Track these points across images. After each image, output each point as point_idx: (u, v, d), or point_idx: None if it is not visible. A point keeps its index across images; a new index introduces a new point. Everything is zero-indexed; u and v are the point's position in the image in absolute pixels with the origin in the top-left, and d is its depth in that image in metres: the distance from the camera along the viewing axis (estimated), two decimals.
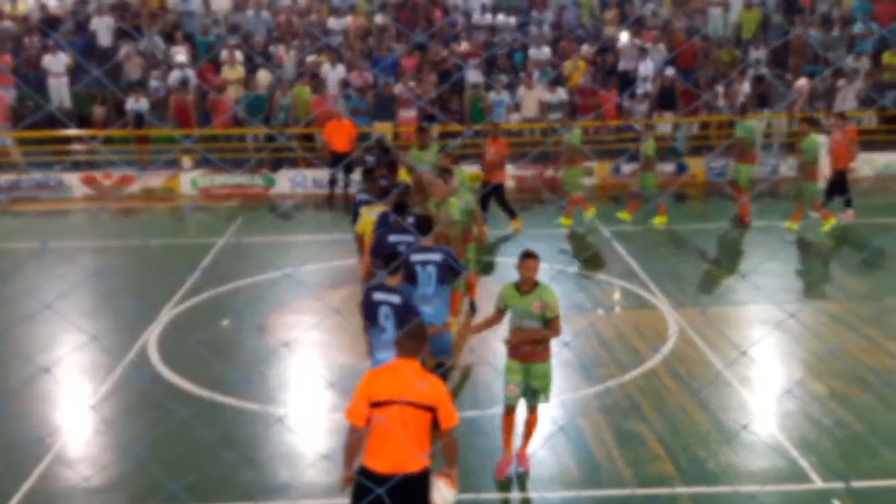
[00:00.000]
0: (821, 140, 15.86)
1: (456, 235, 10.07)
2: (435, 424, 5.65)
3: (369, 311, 7.52)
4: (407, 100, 19.85)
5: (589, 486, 7.60)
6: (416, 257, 8.17)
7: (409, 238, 8.65)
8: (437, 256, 8.24)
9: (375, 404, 5.57)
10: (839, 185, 15.83)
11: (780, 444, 8.15)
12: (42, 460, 8.01)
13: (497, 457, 7.83)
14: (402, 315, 7.29)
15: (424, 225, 8.46)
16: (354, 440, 5.69)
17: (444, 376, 8.19)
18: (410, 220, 8.95)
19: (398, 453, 5.55)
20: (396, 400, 5.54)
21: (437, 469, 5.77)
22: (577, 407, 9.04)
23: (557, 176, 18.54)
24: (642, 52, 21.68)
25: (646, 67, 21.27)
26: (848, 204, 15.92)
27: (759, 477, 7.63)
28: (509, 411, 7.68)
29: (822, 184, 16.03)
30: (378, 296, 7.47)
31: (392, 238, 8.88)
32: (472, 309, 11.08)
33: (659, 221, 16.06)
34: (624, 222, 16.21)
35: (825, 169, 16.11)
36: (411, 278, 8.15)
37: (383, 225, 9.46)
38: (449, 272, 8.28)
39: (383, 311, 7.43)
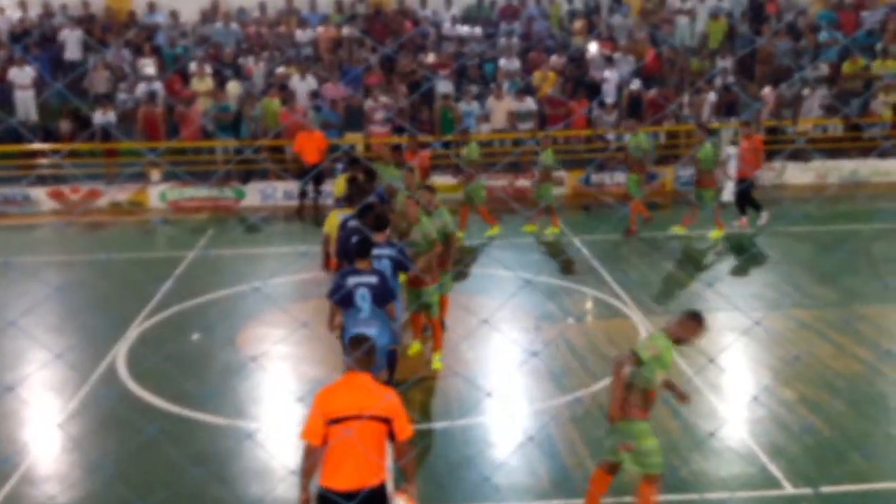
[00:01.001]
0: (731, 150, 16.17)
1: (430, 256, 9.84)
2: (391, 437, 5.65)
3: (345, 296, 8.03)
4: (376, 112, 19.84)
5: (561, 495, 7.59)
6: (353, 280, 8.07)
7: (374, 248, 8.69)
8: (372, 279, 8.09)
9: (333, 421, 5.53)
10: (746, 194, 16.09)
11: (750, 450, 8.20)
12: (8, 480, 7.87)
13: (467, 466, 7.78)
14: (379, 293, 8.04)
15: (364, 245, 8.27)
16: (312, 460, 5.63)
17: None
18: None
19: (359, 469, 5.53)
20: (353, 414, 5.51)
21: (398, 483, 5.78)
22: (548, 416, 9.04)
23: (529, 187, 18.72)
24: (609, 62, 21.84)
25: (612, 77, 21.43)
26: (756, 208, 16.22)
27: (730, 483, 7.67)
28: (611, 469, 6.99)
29: (729, 192, 16.29)
30: (353, 280, 8.04)
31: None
32: (442, 327, 10.72)
33: (550, 232, 16.19)
34: (594, 232, 16.28)
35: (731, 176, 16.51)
36: (348, 301, 8.05)
37: (345, 229, 9.65)
38: (385, 292, 8.15)
39: (360, 292, 8.01)
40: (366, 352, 5.74)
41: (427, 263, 9.78)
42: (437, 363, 10.15)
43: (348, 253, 8.71)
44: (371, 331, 7.74)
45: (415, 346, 10.54)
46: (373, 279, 8.05)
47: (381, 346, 8.09)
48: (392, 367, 9.25)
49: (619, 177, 20.06)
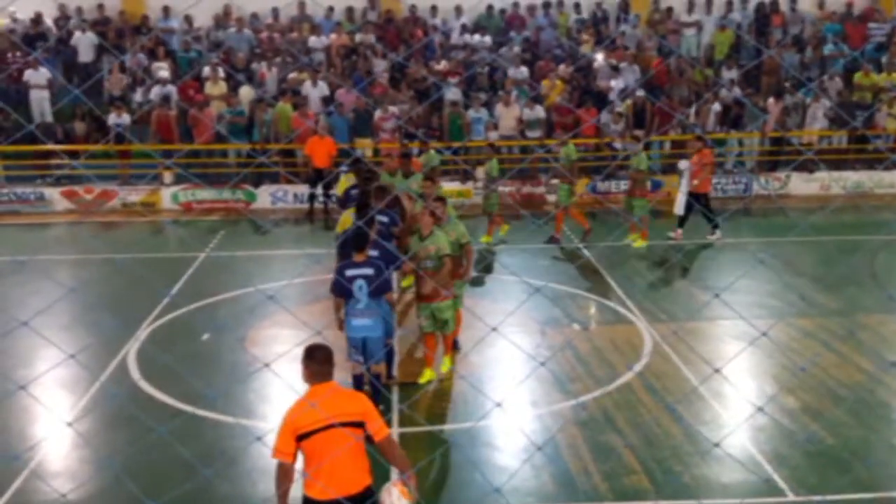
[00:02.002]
0: (685, 163, 16.28)
1: (443, 272, 9.63)
2: (370, 440, 5.58)
3: (344, 288, 8.59)
4: (385, 121, 20.01)
5: (565, 498, 7.69)
6: (350, 272, 8.62)
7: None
8: (368, 270, 8.62)
9: (303, 436, 5.47)
10: (693, 207, 16.17)
11: (753, 458, 8.28)
12: (19, 476, 8.01)
13: (471, 471, 7.89)
14: (375, 283, 8.55)
15: (360, 238, 8.76)
16: (285, 477, 5.56)
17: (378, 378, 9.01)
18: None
19: (336, 477, 5.48)
20: (324, 425, 5.44)
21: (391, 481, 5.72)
22: (553, 421, 9.14)
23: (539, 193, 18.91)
24: (615, 71, 21.96)
25: (617, 85, 21.56)
26: (715, 227, 16.32)
27: (732, 490, 7.75)
28: None
29: (681, 205, 16.45)
30: (351, 272, 8.60)
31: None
32: (456, 348, 10.68)
33: (485, 240, 16.27)
34: (600, 239, 16.38)
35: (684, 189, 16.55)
36: (347, 292, 8.62)
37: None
38: (382, 283, 8.68)
39: (357, 283, 8.59)
40: (325, 360, 5.64)
41: (442, 278, 9.56)
42: (445, 365, 10.17)
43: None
44: (368, 321, 8.63)
45: (427, 374, 10.11)
46: (369, 270, 8.60)
47: (377, 337, 8.71)
48: (389, 360, 9.59)
49: (625, 185, 20.16)
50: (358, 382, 8.99)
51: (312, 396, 5.60)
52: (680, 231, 16.38)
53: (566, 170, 16.09)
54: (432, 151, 16.39)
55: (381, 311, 8.77)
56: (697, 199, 16.01)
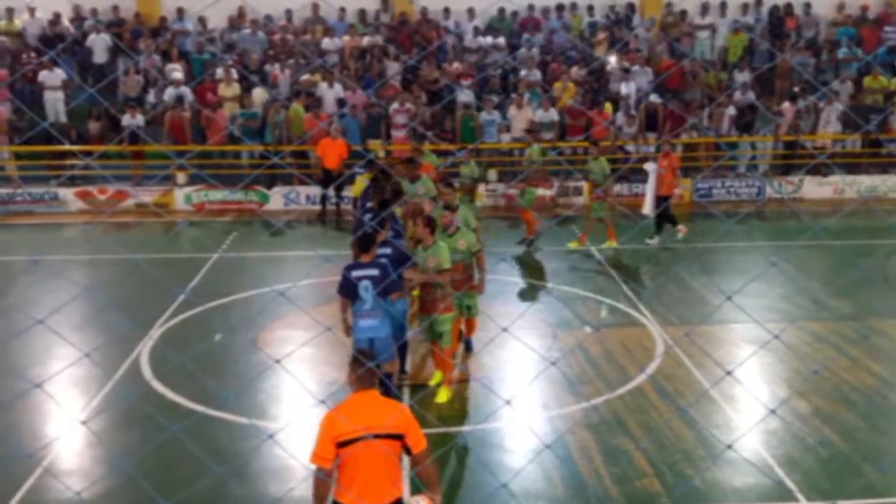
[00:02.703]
0: (652, 166, 16.25)
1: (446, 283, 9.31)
2: (407, 450, 5.54)
3: (350, 289, 8.63)
4: (397, 115, 20.08)
5: (575, 501, 7.69)
6: (356, 273, 8.65)
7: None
8: (373, 271, 8.64)
9: (342, 444, 5.41)
10: (664, 211, 16.22)
11: (765, 462, 8.25)
12: (32, 474, 8.05)
13: (482, 472, 7.90)
14: (380, 284, 8.56)
15: (366, 240, 8.82)
16: (323, 483, 5.51)
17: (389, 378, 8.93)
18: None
19: (370, 488, 5.45)
20: (363, 435, 5.38)
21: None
22: (564, 423, 9.14)
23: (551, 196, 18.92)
24: (627, 74, 21.93)
25: (628, 88, 21.54)
26: (672, 223, 16.34)
27: (744, 494, 7.73)
28: None
29: (649, 207, 16.51)
30: (357, 273, 8.62)
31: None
32: (469, 348, 10.74)
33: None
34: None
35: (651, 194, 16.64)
36: (353, 293, 8.65)
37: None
38: (388, 285, 8.67)
39: (363, 284, 8.59)
40: (370, 371, 5.58)
41: (442, 290, 9.27)
42: (435, 378, 9.89)
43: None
44: (374, 322, 8.65)
45: (438, 376, 10.00)
46: (374, 271, 8.61)
47: (384, 336, 8.72)
48: (402, 356, 9.66)
49: (638, 187, 20.18)
50: None
51: (353, 404, 5.56)
52: (682, 227, 16.37)
53: (537, 173, 16.13)
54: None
55: (390, 311, 8.81)
56: (660, 202, 16.10)
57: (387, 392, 8.75)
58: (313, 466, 5.51)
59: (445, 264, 9.20)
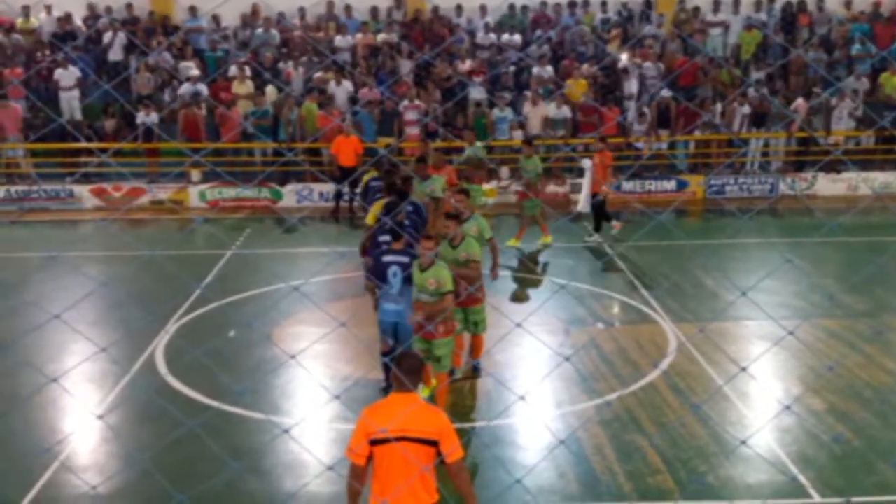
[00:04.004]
0: (587, 163, 16.37)
1: (441, 306, 8.74)
2: (440, 457, 5.42)
3: (381, 272, 9.09)
4: (409, 111, 20.12)
5: (589, 498, 7.70)
6: (387, 258, 9.17)
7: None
8: (403, 258, 9.09)
9: (375, 442, 5.35)
10: (600, 207, 16.23)
11: (778, 458, 8.24)
12: (49, 468, 8.13)
13: (495, 468, 7.92)
14: (408, 271, 8.94)
15: (396, 231, 9.34)
16: (355, 479, 5.47)
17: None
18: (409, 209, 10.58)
19: (401, 491, 5.33)
20: (396, 436, 5.30)
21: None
22: (577, 420, 9.16)
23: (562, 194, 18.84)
24: (625, 73, 21.88)
25: (630, 85, 21.56)
26: (608, 219, 16.40)
27: (757, 491, 7.73)
28: None
29: (584, 203, 16.64)
30: (388, 258, 9.13)
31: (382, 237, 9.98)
32: (476, 371, 10.37)
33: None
34: (623, 237, 16.35)
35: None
36: (382, 277, 9.10)
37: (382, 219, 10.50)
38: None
39: (392, 269, 9.03)
40: (411, 370, 5.49)
41: (441, 312, 8.70)
42: (425, 391, 9.39)
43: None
44: (399, 307, 9.03)
45: (426, 391, 9.52)
46: (405, 259, 9.05)
47: (404, 322, 9.07)
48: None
49: (650, 184, 20.18)
50: (387, 366, 9.19)
51: (391, 404, 5.48)
52: (616, 223, 16.42)
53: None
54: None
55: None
56: (595, 197, 16.23)
57: None
58: (347, 462, 5.48)
59: (447, 286, 8.60)
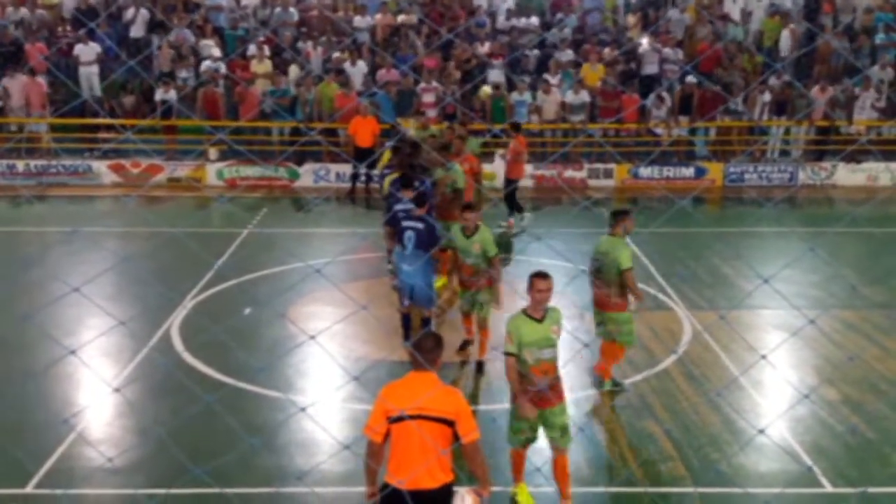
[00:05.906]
0: (501, 151, 16.43)
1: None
2: (456, 437, 5.48)
3: (397, 224, 9.80)
4: (426, 93, 20.07)
5: (601, 483, 7.73)
6: (406, 223, 9.76)
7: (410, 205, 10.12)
8: (420, 225, 9.68)
9: (393, 419, 5.42)
10: (511, 195, 16.10)
11: (791, 448, 8.23)
12: (65, 440, 8.22)
13: (507, 453, 7.91)
14: (424, 238, 9.56)
15: (420, 198, 9.94)
16: (372, 456, 5.54)
17: (428, 323, 9.83)
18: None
19: (415, 469, 5.38)
20: (413, 414, 5.36)
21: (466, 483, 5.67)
22: (590, 406, 9.16)
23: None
24: (659, 55, 21.72)
25: (651, 69, 21.48)
26: (512, 211, 16.15)
27: (770, 480, 7.72)
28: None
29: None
30: (406, 223, 9.71)
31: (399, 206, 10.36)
32: (480, 370, 10.12)
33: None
34: (642, 226, 16.23)
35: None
36: (399, 238, 9.76)
37: (394, 190, 11.14)
38: (428, 239, 9.64)
39: (408, 234, 9.65)
40: (429, 349, 5.55)
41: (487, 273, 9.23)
42: None
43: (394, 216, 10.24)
44: (411, 267, 9.58)
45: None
46: (420, 225, 9.65)
47: (419, 284, 9.62)
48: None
49: (668, 171, 20.06)
50: (406, 321, 10.13)
51: (409, 382, 5.55)
52: (511, 220, 16.19)
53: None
54: (474, 139, 15.79)
55: (426, 259, 9.64)
56: (508, 184, 16.23)
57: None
58: (363, 441, 5.54)
59: (492, 250, 9.58)
